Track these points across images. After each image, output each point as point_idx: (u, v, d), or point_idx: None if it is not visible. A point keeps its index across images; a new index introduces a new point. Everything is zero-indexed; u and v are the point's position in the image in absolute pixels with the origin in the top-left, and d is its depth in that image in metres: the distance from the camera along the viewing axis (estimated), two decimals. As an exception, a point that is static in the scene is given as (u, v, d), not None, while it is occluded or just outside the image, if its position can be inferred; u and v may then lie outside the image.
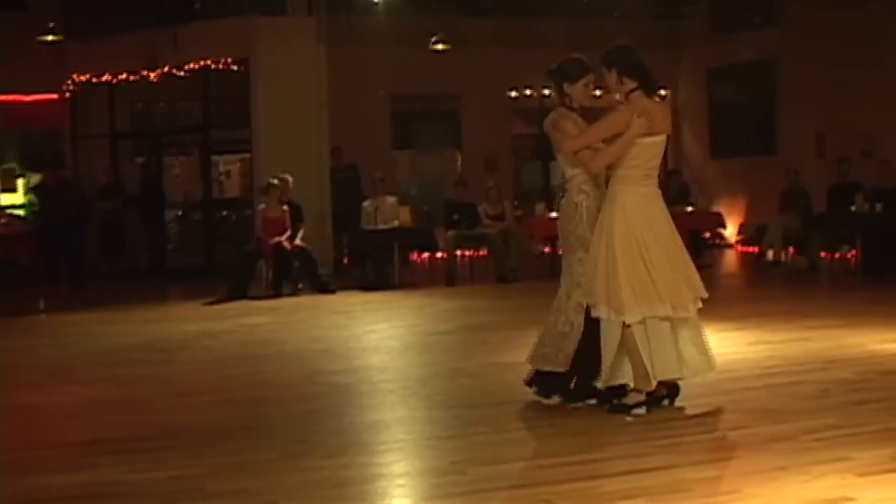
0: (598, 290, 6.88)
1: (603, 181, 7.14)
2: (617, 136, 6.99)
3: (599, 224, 6.99)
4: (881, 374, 8.05)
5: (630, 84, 7.11)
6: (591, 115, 7.42)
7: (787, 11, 19.42)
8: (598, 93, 7.49)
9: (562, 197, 7.47)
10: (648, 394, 6.96)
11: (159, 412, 7.70)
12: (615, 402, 7.01)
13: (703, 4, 20.60)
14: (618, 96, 7.22)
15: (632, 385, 7.00)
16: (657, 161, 7.18)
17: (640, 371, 6.91)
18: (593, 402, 7.17)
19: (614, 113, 7.13)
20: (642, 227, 6.92)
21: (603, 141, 7.10)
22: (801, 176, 17.61)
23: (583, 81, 7.31)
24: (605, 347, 7.00)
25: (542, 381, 7.36)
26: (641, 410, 6.90)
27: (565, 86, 7.35)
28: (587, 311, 7.06)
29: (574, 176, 7.22)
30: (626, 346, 6.92)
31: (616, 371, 7.07)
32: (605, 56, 7.20)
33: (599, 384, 7.14)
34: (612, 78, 7.16)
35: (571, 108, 7.36)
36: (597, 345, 7.05)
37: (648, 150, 7.06)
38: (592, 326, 7.06)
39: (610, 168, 7.06)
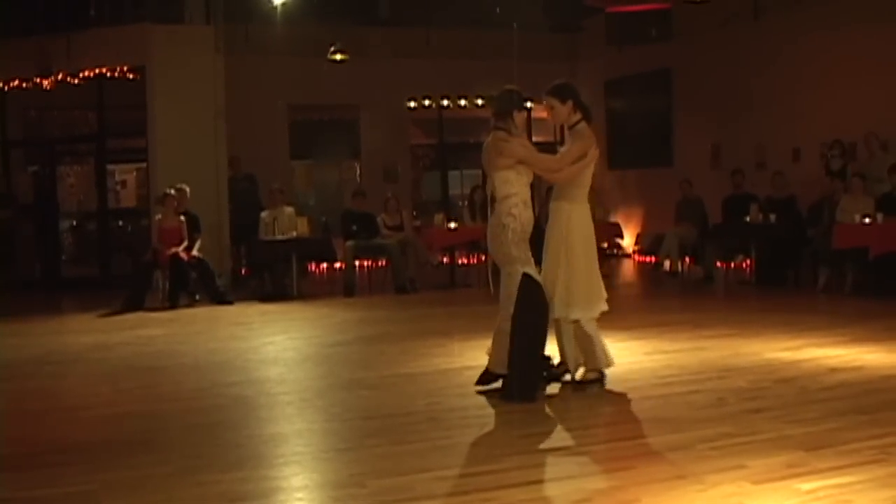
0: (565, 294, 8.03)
1: (529, 204, 8.01)
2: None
3: (557, 236, 8.12)
4: (776, 383, 8.17)
5: (577, 116, 8.29)
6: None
7: (682, 25, 19.68)
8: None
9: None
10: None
11: (52, 427, 7.55)
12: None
13: (601, 17, 20.78)
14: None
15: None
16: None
17: (598, 354, 8.15)
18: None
19: (582, 140, 8.24)
20: (590, 238, 8.27)
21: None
22: (696, 187, 17.84)
23: (523, 112, 8.17)
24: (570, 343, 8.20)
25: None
26: (595, 387, 8.09)
27: (515, 113, 8.03)
28: (513, 318, 7.81)
29: (508, 197, 7.89)
30: (583, 335, 8.11)
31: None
32: (559, 90, 8.27)
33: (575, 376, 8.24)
34: (566, 109, 8.26)
35: (510, 133, 7.99)
36: (531, 345, 7.83)
37: (590, 172, 8.30)
38: (519, 331, 7.76)
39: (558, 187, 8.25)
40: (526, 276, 7.80)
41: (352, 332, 12.23)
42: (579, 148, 8.18)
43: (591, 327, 8.12)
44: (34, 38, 17.96)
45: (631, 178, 21.78)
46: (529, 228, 7.95)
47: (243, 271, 18.27)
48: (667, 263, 17.58)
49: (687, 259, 17.42)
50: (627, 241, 21.30)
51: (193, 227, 15.86)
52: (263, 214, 16.22)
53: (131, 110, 18.25)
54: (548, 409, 7.50)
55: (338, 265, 17.89)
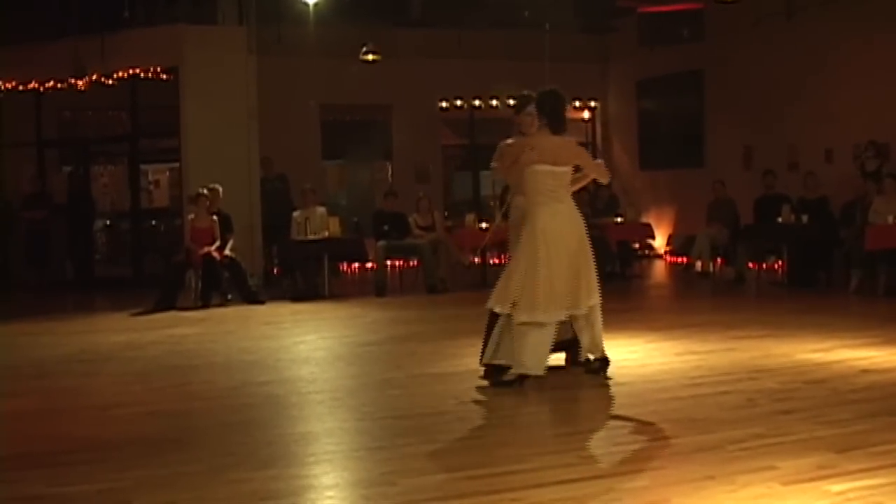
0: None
1: None
2: None
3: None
4: (806, 384, 8.15)
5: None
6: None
7: (714, 26, 19.62)
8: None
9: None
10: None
11: (85, 425, 7.61)
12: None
13: (633, 18, 20.74)
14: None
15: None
16: None
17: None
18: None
19: None
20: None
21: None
22: (728, 188, 17.77)
23: None
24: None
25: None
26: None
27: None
28: None
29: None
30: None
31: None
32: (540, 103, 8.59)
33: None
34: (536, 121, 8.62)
35: None
36: None
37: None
38: None
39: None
40: None
41: (383, 331, 12.26)
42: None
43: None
44: (68, 40, 18.06)
45: (662, 179, 21.71)
46: None
47: (275, 271, 18.31)
48: (698, 264, 17.53)
49: (718, 260, 17.36)
50: (659, 242, 21.24)
51: (225, 226, 15.90)
52: (295, 214, 16.26)
53: (164, 111, 18.31)
54: (578, 409, 7.50)
55: (369, 265, 17.93)
